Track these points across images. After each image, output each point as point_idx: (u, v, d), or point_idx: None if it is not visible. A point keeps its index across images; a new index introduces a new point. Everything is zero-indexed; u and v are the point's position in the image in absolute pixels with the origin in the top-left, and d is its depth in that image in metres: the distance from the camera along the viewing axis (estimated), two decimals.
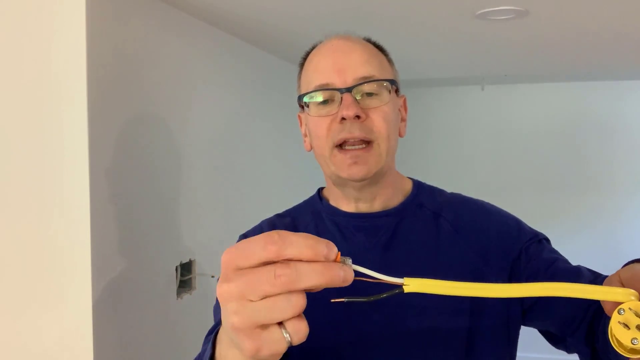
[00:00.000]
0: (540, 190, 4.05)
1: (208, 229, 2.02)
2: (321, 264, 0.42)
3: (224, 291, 0.44)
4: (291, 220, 0.92)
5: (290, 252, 0.42)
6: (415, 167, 3.49)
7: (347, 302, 0.46)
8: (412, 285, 0.47)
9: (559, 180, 4.02)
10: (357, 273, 0.46)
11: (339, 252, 0.44)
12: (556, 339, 0.82)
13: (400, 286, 0.47)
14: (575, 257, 0.86)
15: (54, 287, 1.40)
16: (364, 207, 0.87)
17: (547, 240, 0.87)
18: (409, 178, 0.95)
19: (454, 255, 0.83)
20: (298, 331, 0.43)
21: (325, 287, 0.43)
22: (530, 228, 0.87)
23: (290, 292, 0.42)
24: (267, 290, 0.42)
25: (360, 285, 0.47)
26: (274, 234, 0.43)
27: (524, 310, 0.82)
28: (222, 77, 2.18)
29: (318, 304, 0.52)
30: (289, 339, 0.43)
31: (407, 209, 0.88)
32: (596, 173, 3.96)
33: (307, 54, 0.89)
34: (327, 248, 0.43)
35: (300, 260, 0.42)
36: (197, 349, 0.72)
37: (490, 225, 0.86)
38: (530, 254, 0.82)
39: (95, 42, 1.39)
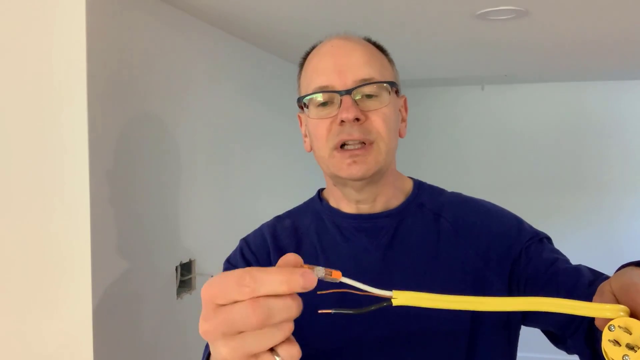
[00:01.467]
0: (539, 189, 4.05)
1: (208, 229, 2.02)
2: (291, 297, 0.42)
3: (205, 330, 0.44)
4: (291, 222, 0.91)
5: (264, 291, 0.42)
6: (415, 167, 3.49)
7: (335, 313, 0.46)
8: (401, 298, 0.46)
9: (559, 179, 4.03)
10: (346, 285, 0.46)
11: (314, 266, 0.44)
12: (557, 339, 0.81)
13: (389, 299, 0.46)
14: (573, 256, 0.85)
15: (54, 287, 1.40)
16: (364, 208, 0.87)
17: (549, 239, 0.86)
18: (410, 178, 0.94)
19: (455, 256, 0.83)
20: (291, 356, 0.43)
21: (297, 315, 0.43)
22: (531, 227, 0.86)
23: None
24: (242, 328, 0.42)
25: (352, 295, 0.47)
26: (246, 276, 0.42)
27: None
28: (222, 77, 2.18)
29: (316, 310, 0.52)
30: None
31: (407, 209, 0.87)
32: (595, 172, 3.97)
33: (307, 54, 0.88)
34: (302, 279, 0.42)
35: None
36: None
37: (491, 224, 0.86)
38: (530, 253, 0.81)
39: (95, 42, 1.39)
